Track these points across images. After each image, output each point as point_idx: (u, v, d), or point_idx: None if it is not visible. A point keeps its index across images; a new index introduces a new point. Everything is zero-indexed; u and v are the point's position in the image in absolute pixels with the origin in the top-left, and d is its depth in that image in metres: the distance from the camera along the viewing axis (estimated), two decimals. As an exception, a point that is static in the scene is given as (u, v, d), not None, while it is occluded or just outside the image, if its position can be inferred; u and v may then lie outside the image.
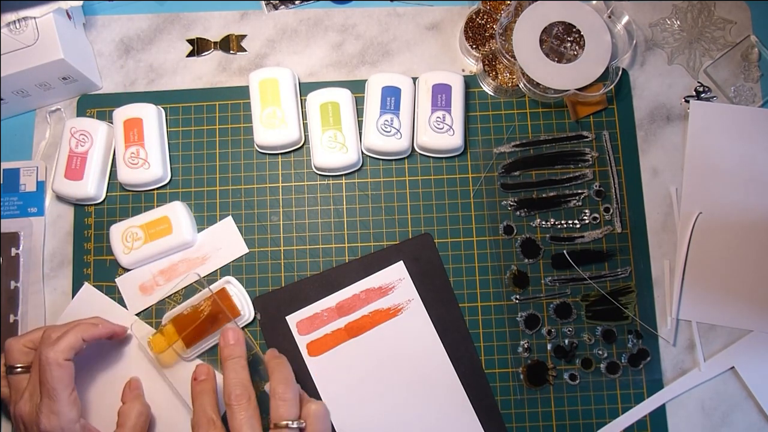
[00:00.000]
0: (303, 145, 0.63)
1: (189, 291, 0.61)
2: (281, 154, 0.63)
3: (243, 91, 0.64)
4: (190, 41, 0.66)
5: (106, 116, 0.64)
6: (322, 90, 0.61)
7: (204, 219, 0.62)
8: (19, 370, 0.53)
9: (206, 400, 0.51)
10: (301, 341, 0.59)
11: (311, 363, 0.59)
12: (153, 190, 0.63)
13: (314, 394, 0.58)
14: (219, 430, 0.49)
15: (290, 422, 0.48)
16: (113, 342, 0.59)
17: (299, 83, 0.64)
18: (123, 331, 0.58)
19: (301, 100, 0.63)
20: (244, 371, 0.51)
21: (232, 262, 0.61)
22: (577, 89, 0.60)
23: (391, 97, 0.61)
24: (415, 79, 0.62)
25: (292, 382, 0.51)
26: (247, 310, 0.60)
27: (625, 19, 0.63)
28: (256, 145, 0.62)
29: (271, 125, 0.61)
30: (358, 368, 0.59)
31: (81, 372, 0.59)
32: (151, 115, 0.61)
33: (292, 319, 0.60)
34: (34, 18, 0.58)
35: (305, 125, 0.63)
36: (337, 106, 0.61)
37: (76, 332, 0.52)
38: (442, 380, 0.58)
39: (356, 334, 0.59)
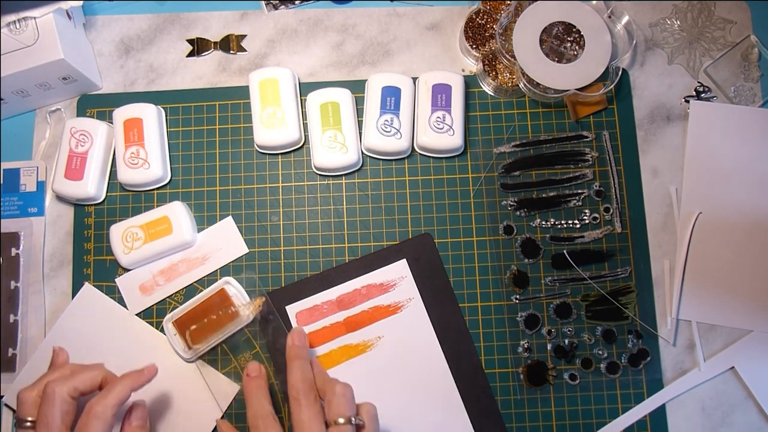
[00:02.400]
0: (303, 145, 0.63)
1: (189, 291, 0.61)
2: (281, 154, 0.63)
3: (243, 91, 0.64)
4: (190, 41, 0.66)
5: (106, 116, 0.64)
6: (322, 90, 0.61)
7: (204, 219, 0.62)
8: (28, 424, 0.48)
9: (262, 395, 0.51)
10: None
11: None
12: (153, 190, 0.63)
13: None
14: (278, 423, 0.49)
15: (352, 418, 0.48)
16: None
17: (299, 83, 0.64)
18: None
19: (301, 100, 0.63)
20: (310, 372, 0.52)
21: (232, 262, 0.61)
22: (577, 89, 0.60)
23: (391, 97, 0.61)
24: (415, 79, 0.62)
25: (351, 391, 0.51)
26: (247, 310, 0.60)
27: (625, 19, 0.63)
28: (256, 145, 0.62)
29: (271, 125, 0.61)
30: (353, 363, 0.59)
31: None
32: (151, 115, 0.61)
33: (292, 309, 0.60)
34: (34, 18, 0.58)
35: (305, 125, 0.63)
36: (337, 106, 0.61)
37: (125, 385, 0.49)
38: (437, 381, 0.58)
39: (354, 329, 0.59)
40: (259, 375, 0.53)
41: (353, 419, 0.48)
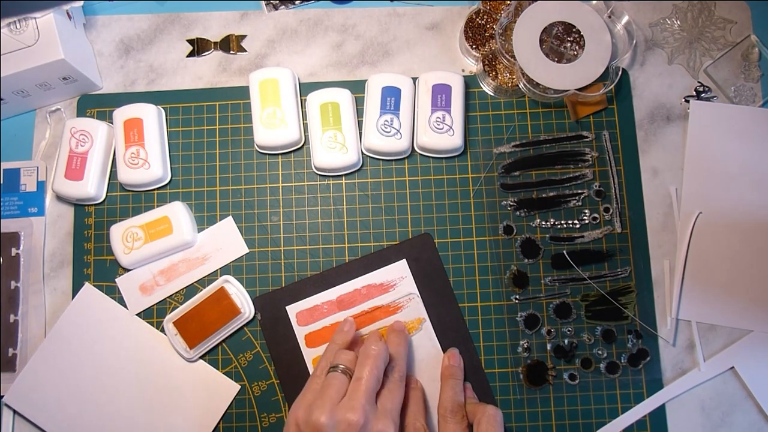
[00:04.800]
0: (303, 145, 0.63)
1: (189, 291, 0.61)
2: (281, 154, 0.63)
3: (243, 91, 0.64)
4: (190, 41, 0.66)
5: (106, 116, 0.64)
6: (322, 90, 0.61)
7: (204, 219, 0.62)
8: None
9: (419, 408, 0.55)
10: (300, 332, 0.59)
11: (309, 354, 0.59)
12: (153, 190, 0.63)
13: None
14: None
15: None
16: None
17: (299, 83, 0.64)
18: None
19: (301, 100, 0.63)
20: (461, 392, 0.55)
21: (232, 262, 0.62)
22: (577, 89, 0.60)
23: (391, 97, 0.61)
24: (415, 79, 0.62)
25: (461, 402, 0.54)
26: (247, 308, 0.60)
27: (625, 19, 0.63)
28: (256, 145, 0.62)
29: (271, 125, 0.61)
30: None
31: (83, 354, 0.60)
32: (151, 116, 0.61)
33: (292, 310, 0.60)
34: (35, 18, 0.58)
35: (305, 125, 0.63)
36: (337, 106, 0.61)
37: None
38: (437, 380, 0.58)
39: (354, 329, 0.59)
40: (417, 387, 0.56)
41: None
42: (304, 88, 0.64)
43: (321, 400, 0.48)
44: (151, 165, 0.60)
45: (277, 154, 0.63)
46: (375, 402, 0.50)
